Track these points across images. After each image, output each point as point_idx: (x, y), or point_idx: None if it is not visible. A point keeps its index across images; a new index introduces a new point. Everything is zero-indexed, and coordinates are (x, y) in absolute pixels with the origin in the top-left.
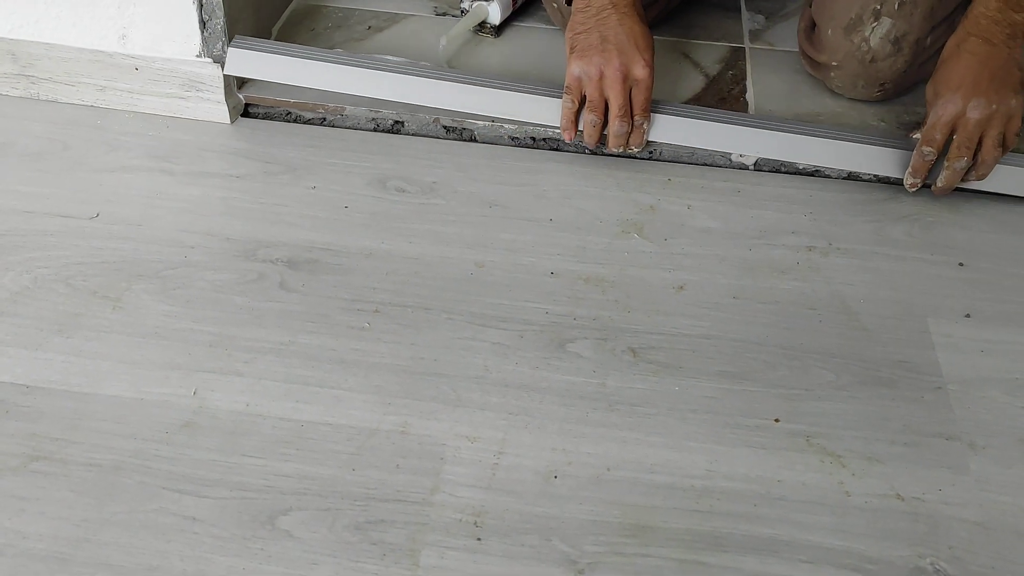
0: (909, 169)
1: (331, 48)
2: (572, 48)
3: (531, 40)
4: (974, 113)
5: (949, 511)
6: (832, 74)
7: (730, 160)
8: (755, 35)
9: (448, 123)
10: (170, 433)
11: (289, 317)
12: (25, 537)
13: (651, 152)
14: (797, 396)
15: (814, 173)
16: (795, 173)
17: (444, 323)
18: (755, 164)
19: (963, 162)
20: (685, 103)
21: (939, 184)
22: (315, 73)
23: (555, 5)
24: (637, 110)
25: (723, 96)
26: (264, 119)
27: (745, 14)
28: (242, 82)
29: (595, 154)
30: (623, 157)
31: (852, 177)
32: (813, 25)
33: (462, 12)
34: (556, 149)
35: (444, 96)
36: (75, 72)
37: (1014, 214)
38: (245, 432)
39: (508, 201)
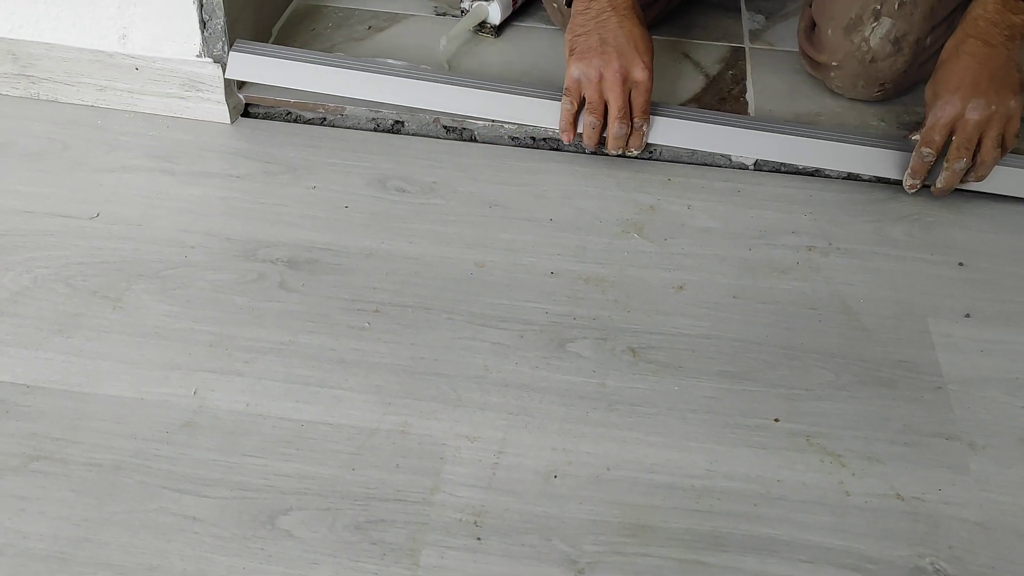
0: (908, 170)
1: (331, 48)
2: (572, 50)
3: (531, 40)
4: (973, 114)
5: (949, 511)
6: (832, 74)
7: (730, 160)
8: (755, 35)
9: (448, 123)
10: (170, 433)
11: (289, 317)
12: (25, 537)
13: (651, 152)
14: (797, 396)
15: (814, 173)
16: (795, 173)
17: (444, 323)
18: (755, 164)
19: (962, 163)
20: (685, 103)
21: (938, 185)
22: (316, 77)
23: (555, 5)
24: (636, 112)
25: (723, 96)
26: (264, 119)
27: (745, 14)
28: (242, 82)
29: (595, 154)
30: (623, 157)
31: (852, 177)
32: (813, 25)
33: (462, 12)
34: (556, 149)
35: (444, 99)
36: (75, 72)
37: (1014, 214)
38: (245, 432)
39: (508, 201)
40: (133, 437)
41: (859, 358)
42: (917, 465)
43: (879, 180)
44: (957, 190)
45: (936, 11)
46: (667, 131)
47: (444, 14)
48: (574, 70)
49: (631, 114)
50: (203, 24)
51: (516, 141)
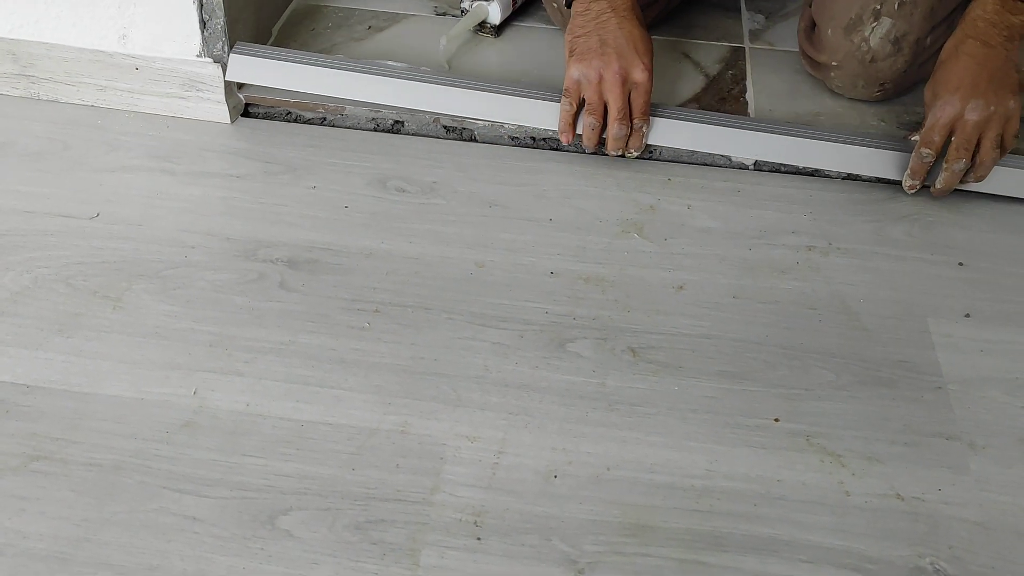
0: (908, 171)
1: (331, 48)
2: (571, 51)
3: (531, 40)
4: (972, 115)
5: (949, 511)
6: (832, 74)
7: (730, 160)
8: (755, 35)
9: (448, 123)
10: (170, 433)
11: (289, 317)
12: (25, 537)
13: (651, 152)
14: (797, 396)
15: (814, 173)
16: (795, 173)
17: (444, 323)
18: (755, 164)
19: (961, 164)
20: (685, 103)
21: (938, 186)
22: (317, 80)
23: (555, 5)
24: (636, 113)
25: (723, 96)
26: (264, 119)
27: (745, 14)
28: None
29: (595, 154)
30: (623, 158)
31: (852, 177)
32: (813, 25)
33: (462, 12)
34: (556, 149)
35: (444, 101)
36: (75, 72)
37: (1014, 214)
38: (245, 432)
39: (508, 201)
40: (133, 437)
41: (859, 358)
42: (917, 465)
43: (879, 180)
44: (957, 190)
45: (936, 11)
46: (667, 132)
47: (444, 14)
48: (574, 71)
49: (631, 115)
50: (203, 24)
51: (516, 141)
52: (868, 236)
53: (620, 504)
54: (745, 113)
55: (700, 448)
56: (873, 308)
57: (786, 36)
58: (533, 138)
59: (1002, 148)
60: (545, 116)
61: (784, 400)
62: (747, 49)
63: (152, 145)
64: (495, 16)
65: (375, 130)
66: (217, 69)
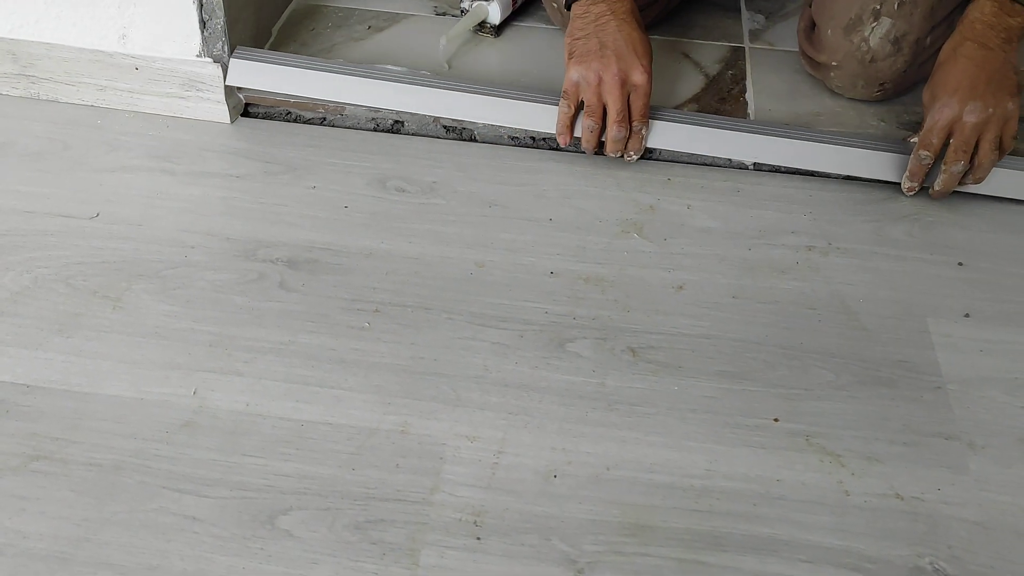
0: (906, 173)
1: (331, 48)
2: (571, 54)
3: (531, 40)
4: (971, 117)
5: (948, 511)
6: (832, 74)
7: (730, 160)
8: (755, 35)
9: (448, 123)
10: (170, 433)
11: (289, 317)
12: (25, 537)
13: (651, 152)
14: (796, 396)
15: (814, 173)
16: (795, 173)
17: (444, 323)
18: (755, 164)
19: (960, 166)
20: (685, 103)
21: (936, 188)
22: (317, 84)
23: (555, 5)
24: (635, 116)
25: (723, 96)
26: (264, 119)
27: (745, 14)
28: None
29: (595, 154)
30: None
31: (852, 177)
32: (813, 25)
33: (462, 12)
34: (556, 149)
35: (443, 105)
36: (75, 72)
37: (1013, 214)
38: (245, 432)
39: (508, 201)
40: (133, 437)
41: (859, 358)
42: (916, 465)
43: (879, 180)
44: (956, 191)
45: (936, 11)
46: (666, 135)
47: (444, 14)
48: (573, 73)
49: (630, 118)
50: (203, 24)
51: (516, 141)
52: (868, 236)
53: (620, 504)
54: (745, 113)
55: (700, 448)
56: (873, 308)
57: (786, 36)
58: (533, 138)
59: (1001, 150)
60: (544, 119)
61: (784, 400)
62: (747, 49)
63: (152, 145)
64: (495, 16)
65: (375, 130)
66: (217, 69)
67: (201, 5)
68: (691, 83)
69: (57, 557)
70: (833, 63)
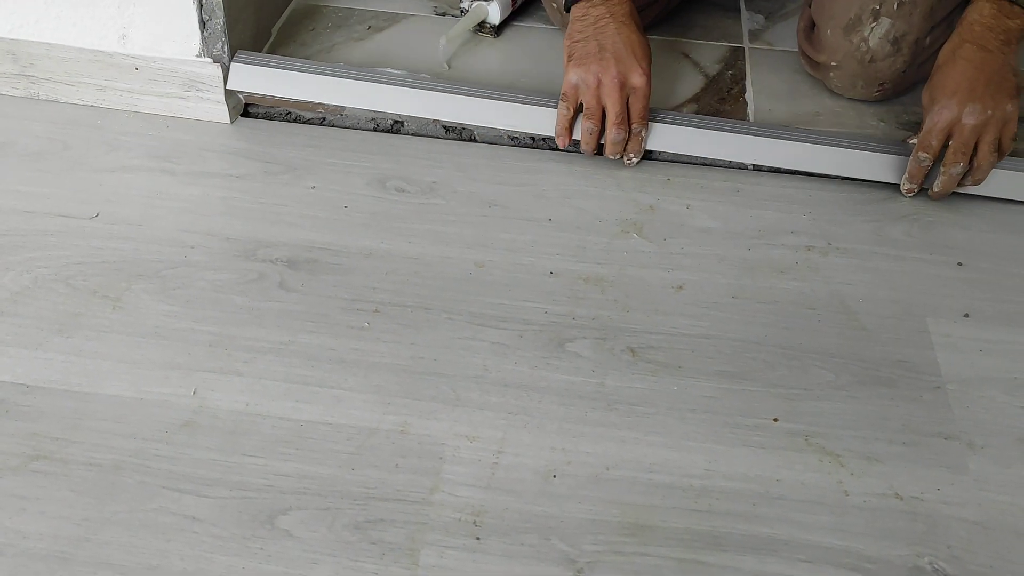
0: (906, 175)
1: (331, 48)
2: (570, 56)
3: (531, 40)
4: (970, 119)
5: (948, 510)
6: (831, 74)
7: (730, 160)
8: (754, 35)
9: (448, 123)
10: (170, 433)
11: (289, 317)
12: (25, 537)
13: (650, 153)
14: (796, 396)
15: (813, 173)
16: (794, 173)
17: (444, 323)
18: (754, 164)
19: (959, 167)
20: (684, 103)
21: (935, 189)
22: (318, 87)
23: (555, 5)
24: (635, 118)
25: (722, 96)
26: (264, 119)
27: (745, 14)
28: None
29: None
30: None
31: (851, 177)
32: (813, 25)
33: (462, 12)
34: (556, 149)
35: (443, 107)
36: (75, 72)
37: (1013, 214)
38: (245, 432)
39: (508, 201)
40: (133, 437)
41: (858, 358)
42: (916, 465)
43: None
44: (955, 191)
45: (935, 11)
46: (665, 137)
47: (444, 14)
48: (572, 76)
49: (629, 120)
50: (203, 24)
51: (516, 141)
52: (867, 236)
53: (619, 504)
54: (744, 113)
55: (699, 448)
56: (872, 308)
57: (785, 36)
58: (533, 138)
59: (1000, 151)
60: (543, 122)
61: (783, 400)
62: (746, 49)
63: (152, 145)
64: (495, 16)
65: (375, 130)
66: (217, 69)
67: (201, 5)
68: (691, 83)
69: (57, 557)
70: (833, 63)
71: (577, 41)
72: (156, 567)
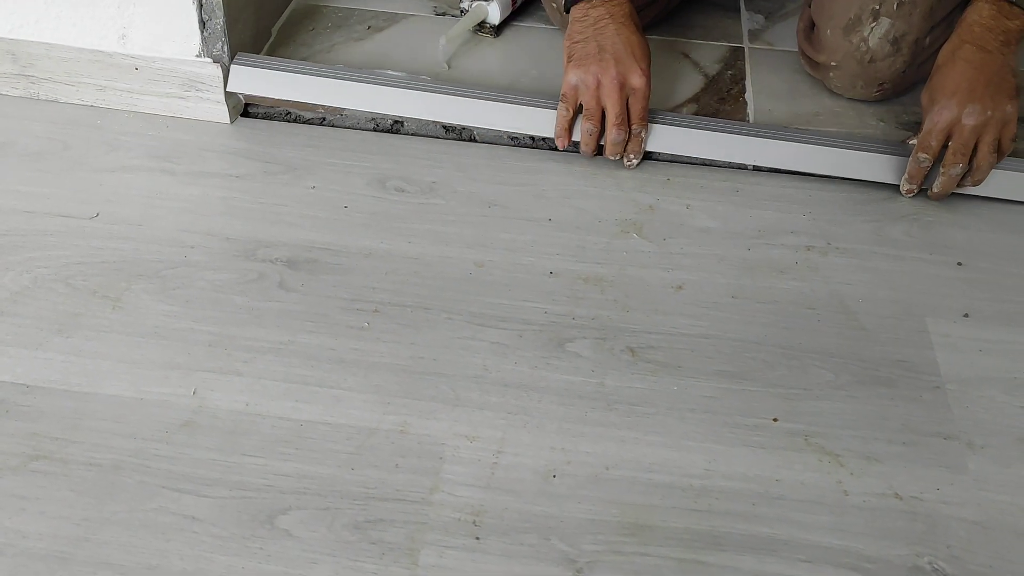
0: (905, 175)
1: (331, 48)
2: (569, 57)
3: (531, 40)
4: (969, 119)
5: (947, 510)
6: (831, 74)
7: (729, 160)
8: (754, 35)
9: (447, 123)
10: (170, 433)
11: (289, 317)
12: (25, 536)
13: (650, 153)
14: (796, 396)
15: (813, 173)
16: (794, 173)
17: (443, 323)
18: (754, 164)
19: (959, 168)
20: (684, 103)
21: (935, 190)
22: (317, 89)
23: (554, 5)
24: (634, 119)
25: (722, 96)
26: (264, 119)
27: (744, 14)
28: None
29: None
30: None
31: (851, 177)
32: (812, 25)
33: (462, 12)
34: (555, 149)
35: (442, 109)
36: (75, 72)
37: (1013, 214)
38: (245, 432)
39: (508, 201)
40: (133, 437)
41: (858, 358)
42: (915, 464)
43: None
44: (955, 191)
45: (935, 11)
46: (665, 138)
47: (444, 14)
48: (572, 76)
49: (629, 121)
50: (203, 24)
51: (516, 141)
52: (867, 236)
53: (619, 503)
54: (744, 113)
55: (699, 448)
56: (872, 308)
57: (785, 36)
58: (532, 138)
59: (999, 152)
60: (543, 123)
61: (783, 400)
62: (746, 49)
63: (152, 145)
64: (495, 16)
65: (374, 130)
66: (217, 69)
67: (201, 5)
68: (690, 83)
69: (57, 557)
70: (832, 63)
71: (577, 42)
72: (156, 567)
